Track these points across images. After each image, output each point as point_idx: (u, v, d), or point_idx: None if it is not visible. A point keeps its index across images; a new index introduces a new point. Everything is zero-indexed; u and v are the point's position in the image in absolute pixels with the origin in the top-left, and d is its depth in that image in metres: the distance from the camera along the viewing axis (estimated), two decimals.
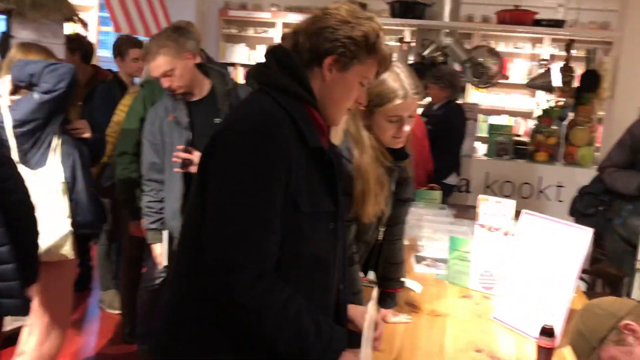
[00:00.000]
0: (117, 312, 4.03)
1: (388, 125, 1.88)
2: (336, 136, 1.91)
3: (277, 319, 1.30)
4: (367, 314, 1.50)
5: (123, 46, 4.12)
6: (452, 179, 4.80)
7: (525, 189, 5.08)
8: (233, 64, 8.00)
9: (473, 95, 7.98)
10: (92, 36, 6.25)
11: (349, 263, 1.94)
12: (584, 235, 2.12)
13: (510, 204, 2.60)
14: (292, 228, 1.35)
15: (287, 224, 1.34)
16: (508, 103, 8.30)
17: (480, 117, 8.26)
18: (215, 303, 1.33)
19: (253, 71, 1.49)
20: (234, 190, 1.30)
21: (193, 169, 2.63)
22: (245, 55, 8.20)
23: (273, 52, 1.45)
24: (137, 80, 4.15)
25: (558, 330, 2.00)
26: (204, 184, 1.36)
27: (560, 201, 4.93)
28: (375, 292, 1.57)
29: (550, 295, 2.13)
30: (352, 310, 1.59)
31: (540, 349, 1.91)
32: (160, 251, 2.96)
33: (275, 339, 1.32)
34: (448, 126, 4.74)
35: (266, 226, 1.30)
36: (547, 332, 1.90)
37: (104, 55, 6.78)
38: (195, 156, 2.65)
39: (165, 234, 2.93)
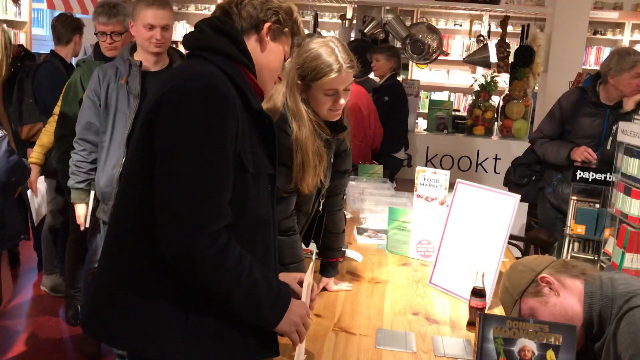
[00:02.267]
0: (61, 295, 3.97)
1: (324, 98, 1.93)
2: (273, 109, 1.96)
3: (233, 273, 1.33)
4: (305, 278, 1.57)
5: (62, 31, 3.97)
6: (400, 154, 4.93)
7: (464, 162, 5.25)
8: (174, 42, 7.88)
9: (415, 72, 8.14)
10: (24, 13, 6.03)
11: (289, 233, 2.00)
12: (511, 202, 2.25)
13: (445, 175, 2.71)
14: (239, 188, 1.37)
15: (235, 184, 1.36)
16: (450, 80, 8.51)
17: (423, 93, 8.46)
18: (163, 265, 1.33)
19: (186, 39, 1.50)
20: (188, 148, 1.31)
21: None
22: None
23: (207, 21, 1.47)
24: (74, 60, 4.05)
25: (489, 291, 2.12)
26: (148, 145, 1.36)
27: (497, 173, 5.12)
28: (313, 257, 1.63)
29: (482, 258, 2.25)
30: (285, 277, 1.64)
31: (472, 309, 2.03)
32: (84, 212, 2.96)
33: (232, 293, 1.35)
34: (401, 95, 4.87)
35: (222, 184, 1.32)
36: (477, 293, 2.02)
37: (38, 34, 6.56)
38: None
39: (92, 195, 2.93)
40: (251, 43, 1.48)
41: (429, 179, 2.75)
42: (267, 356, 1.56)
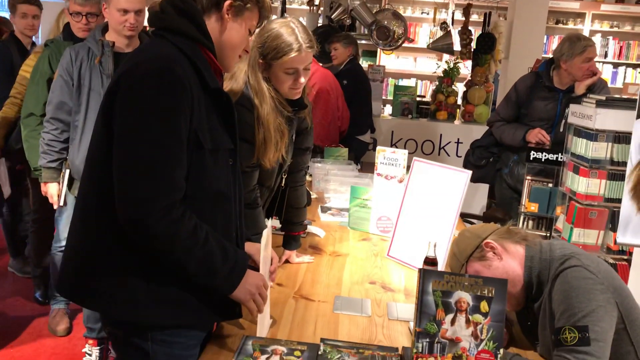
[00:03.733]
0: (29, 276, 4.00)
1: (285, 77, 2.02)
2: (236, 87, 2.04)
3: (187, 243, 1.43)
4: (262, 250, 1.67)
5: (12, 1, 3.97)
6: (366, 137, 5.05)
7: (428, 146, 5.39)
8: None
9: (383, 59, 8.26)
10: None
11: (252, 206, 2.09)
12: (462, 177, 2.38)
13: (404, 154, 2.84)
14: (196, 164, 1.46)
15: (191, 160, 1.45)
16: (417, 67, 8.65)
17: (391, 80, 8.60)
18: (124, 235, 1.43)
19: (150, 19, 1.56)
20: (143, 127, 1.39)
21: None
22: None
23: (169, 0, 1.53)
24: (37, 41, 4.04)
25: (441, 261, 2.24)
26: (108, 124, 1.44)
27: (459, 156, 5.27)
28: (269, 230, 1.73)
29: (436, 231, 2.38)
30: (249, 246, 1.74)
31: None
32: (56, 191, 2.98)
33: (187, 262, 1.45)
34: (360, 78, 4.98)
35: (174, 161, 1.41)
36: (430, 262, 2.13)
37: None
38: None
39: (66, 174, 2.96)
40: (212, 21, 1.53)
41: (389, 158, 2.87)
42: (230, 318, 1.67)
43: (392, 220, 2.80)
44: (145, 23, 2.07)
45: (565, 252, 1.69)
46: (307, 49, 1.99)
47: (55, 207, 3.06)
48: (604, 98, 2.90)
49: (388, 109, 6.51)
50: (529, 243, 1.77)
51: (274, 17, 5.48)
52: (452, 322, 1.33)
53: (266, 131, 2.02)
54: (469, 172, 2.39)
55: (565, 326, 1.52)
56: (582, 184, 2.94)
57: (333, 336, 1.79)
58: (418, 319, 1.35)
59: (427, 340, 1.34)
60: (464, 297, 1.32)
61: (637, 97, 2.24)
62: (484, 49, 5.32)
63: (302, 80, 2.04)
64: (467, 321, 1.33)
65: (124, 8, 2.76)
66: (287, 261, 2.40)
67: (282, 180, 2.30)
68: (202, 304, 1.53)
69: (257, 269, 1.69)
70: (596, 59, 7.87)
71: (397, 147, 5.36)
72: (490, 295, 1.32)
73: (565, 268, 1.61)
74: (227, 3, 1.53)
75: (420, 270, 1.37)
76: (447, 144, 5.39)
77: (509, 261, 1.74)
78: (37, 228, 3.72)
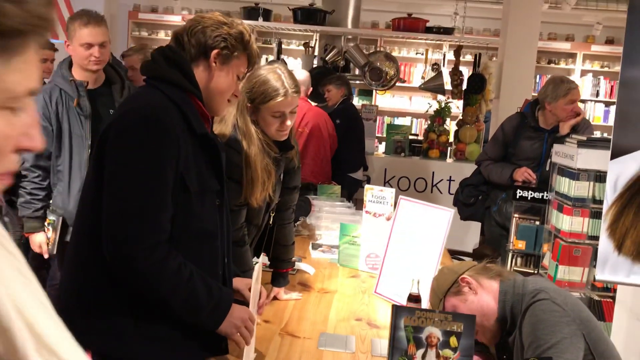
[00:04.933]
0: None
1: (272, 120, 2.12)
2: (225, 130, 2.13)
3: (171, 282, 1.50)
4: (252, 285, 1.73)
5: None
6: (358, 174, 5.14)
7: (420, 184, 5.48)
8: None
9: (378, 98, 8.42)
10: None
11: (240, 244, 2.16)
12: (446, 215, 2.45)
13: (391, 192, 2.91)
14: (182, 205, 1.55)
15: (178, 202, 1.53)
16: (413, 105, 8.82)
17: (387, 119, 8.75)
18: (113, 274, 1.51)
19: (143, 68, 1.66)
20: (130, 173, 1.48)
21: None
22: None
23: (161, 50, 1.64)
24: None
25: (425, 297, 2.30)
26: (99, 169, 1.53)
27: (451, 194, 5.32)
28: (259, 265, 1.80)
29: (421, 268, 2.44)
30: (237, 282, 1.81)
31: None
32: (44, 239, 2.86)
33: (171, 301, 1.52)
34: (353, 116, 5.10)
35: (159, 204, 1.49)
36: (413, 298, 2.19)
37: None
38: None
39: (59, 222, 2.85)
40: (200, 70, 1.63)
41: (377, 196, 2.95)
42: (217, 354, 1.72)
43: (380, 257, 2.85)
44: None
45: (537, 287, 1.76)
46: (293, 93, 2.09)
47: (45, 256, 2.95)
48: (584, 138, 3.00)
49: (382, 147, 6.63)
50: (504, 278, 1.84)
51: (274, 60, 5.64)
52: (423, 356, 1.40)
53: (253, 171, 2.10)
54: (452, 211, 2.47)
55: (531, 358, 1.58)
56: (566, 222, 3.01)
57: None
58: (390, 354, 1.41)
59: None
60: (434, 332, 1.39)
61: (611, 138, 2.32)
62: (474, 89, 5.46)
63: (289, 122, 2.13)
64: (438, 356, 1.39)
65: (87, 42, 2.73)
66: (275, 298, 2.45)
67: (270, 218, 2.37)
68: (189, 340, 1.59)
69: (245, 303, 1.76)
70: (588, 97, 8.04)
71: (390, 185, 5.49)
72: (459, 330, 1.38)
73: (535, 301, 1.68)
74: (214, 52, 1.62)
75: (393, 306, 1.44)
76: (440, 181, 5.47)
77: (483, 296, 1.81)
78: (33, 267, 3.75)
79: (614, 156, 2.32)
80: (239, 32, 1.64)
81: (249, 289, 1.79)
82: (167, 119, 1.51)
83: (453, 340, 1.39)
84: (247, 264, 2.17)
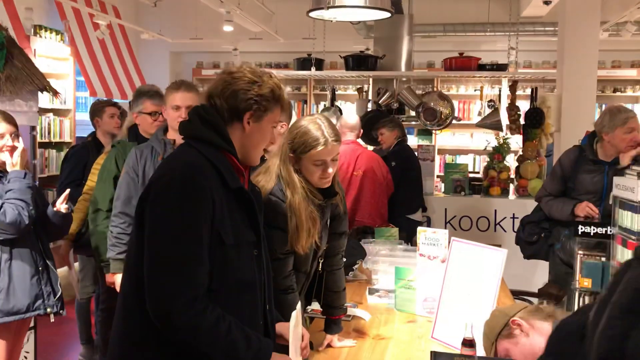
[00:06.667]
0: None
1: (314, 168, 2.16)
2: (270, 180, 2.19)
3: (210, 335, 1.54)
4: (291, 329, 1.75)
5: (99, 105, 4.42)
6: (417, 216, 5.10)
7: (483, 223, 5.36)
8: None
9: (439, 137, 8.38)
10: (69, 101, 6.55)
11: (287, 292, 2.18)
12: (499, 255, 2.40)
13: (444, 233, 2.88)
14: (219, 258, 1.60)
15: (215, 255, 1.59)
16: (475, 142, 8.70)
17: (448, 157, 8.67)
18: (156, 328, 1.56)
19: (180, 128, 1.74)
20: (167, 231, 1.55)
21: None
22: None
23: (196, 111, 1.71)
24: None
25: (479, 341, 2.24)
26: (141, 226, 1.60)
27: (515, 232, 5.20)
28: (298, 310, 1.82)
29: (476, 310, 2.38)
30: (280, 327, 1.83)
31: None
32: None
33: (211, 352, 1.56)
34: (408, 157, 5.09)
35: (196, 259, 1.55)
36: (467, 343, 2.14)
37: (81, 119, 7.08)
38: None
39: None
40: (235, 130, 1.69)
41: (430, 238, 2.92)
42: None
43: (437, 301, 2.80)
44: None
45: None
46: (333, 142, 2.13)
47: None
48: None
49: (442, 186, 6.55)
50: (556, 319, 1.77)
51: (329, 107, 5.72)
52: None
53: (298, 219, 2.14)
54: (505, 251, 2.41)
55: None
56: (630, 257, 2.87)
57: None
58: None
59: None
60: None
61: None
62: (532, 124, 5.35)
63: (330, 170, 2.17)
64: None
65: (176, 105, 2.99)
66: (329, 346, 2.44)
67: (318, 265, 2.39)
68: None
69: (287, 346, 1.78)
70: None
71: (452, 225, 5.40)
72: None
73: None
74: (247, 115, 1.68)
75: (431, 353, 1.41)
76: (503, 219, 5.34)
77: (535, 337, 1.76)
78: (105, 317, 3.91)
79: None
80: (269, 91, 1.69)
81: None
82: (201, 177, 1.58)
83: None
84: (292, 310, 2.18)
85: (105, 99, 5.00)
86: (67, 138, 6.52)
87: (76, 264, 4.18)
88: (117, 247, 3.09)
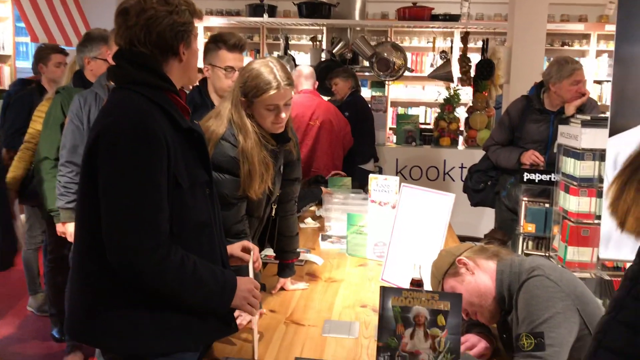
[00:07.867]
0: (47, 314, 4.13)
1: (266, 113, 2.15)
2: (221, 124, 2.17)
3: (178, 276, 1.56)
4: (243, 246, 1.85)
5: (45, 51, 4.23)
6: (369, 166, 5.16)
7: (432, 172, 5.47)
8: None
9: (392, 89, 8.41)
10: (8, 47, 6.26)
11: (240, 236, 2.18)
12: (447, 200, 2.47)
13: (395, 180, 2.93)
14: (177, 202, 1.59)
15: (172, 199, 1.58)
16: (426, 95, 8.77)
17: (400, 109, 8.73)
18: (120, 281, 1.55)
19: (111, 75, 1.68)
20: (124, 183, 1.52)
21: None
22: None
23: (122, 55, 1.64)
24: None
25: (427, 281, 2.32)
26: (92, 175, 1.56)
27: (463, 181, 5.34)
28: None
29: (425, 253, 2.45)
30: (229, 247, 1.88)
31: None
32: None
33: (180, 293, 1.58)
34: (362, 108, 5.11)
35: (155, 208, 1.54)
36: (415, 283, 2.22)
37: (22, 67, 6.79)
38: None
39: None
40: (172, 65, 1.64)
41: (381, 185, 2.97)
42: (228, 334, 1.81)
43: (387, 245, 2.88)
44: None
45: (532, 265, 1.77)
46: (285, 86, 2.12)
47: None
48: (588, 118, 2.98)
49: (393, 137, 6.63)
50: (501, 258, 1.85)
51: (283, 56, 5.65)
52: (412, 336, 1.42)
53: (251, 164, 2.13)
54: (453, 195, 2.48)
55: (523, 333, 1.59)
56: (573, 203, 2.99)
57: (319, 356, 1.87)
58: (379, 334, 1.44)
59: (389, 354, 1.43)
60: (422, 311, 1.41)
61: (608, 116, 2.31)
62: (483, 75, 5.43)
63: (283, 115, 2.16)
64: (426, 335, 1.41)
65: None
66: (282, 288, 2.49)
67: (272, 210, 2.41)
68: (203, 324, 1.66)
69: (243, 267, 1.88)
70: (605, 78, 7.90)
71: (402, 175, 5.49)
72: (446, 309, 1.40)
73: (529, 278, 1.69)
74: (181, 48, 1.63)
75: (380, 288, 1.46)
76: (452, 169, 5.47)
77: (480, 276, 1.83)
78: (53, 267, 3.85)
79: (612, 133, 2.31)
80: (187, 12, 1.63)
81: (241, 250, 1.90)
82: (152, 122, 1.55)
83: (440, 319, 1.41)
84: None
85: (51, 44, 4.78)
86: (6, 86, 6.25)
87: (22, 216, 4.08)
88: (66, 197, 3.06)
